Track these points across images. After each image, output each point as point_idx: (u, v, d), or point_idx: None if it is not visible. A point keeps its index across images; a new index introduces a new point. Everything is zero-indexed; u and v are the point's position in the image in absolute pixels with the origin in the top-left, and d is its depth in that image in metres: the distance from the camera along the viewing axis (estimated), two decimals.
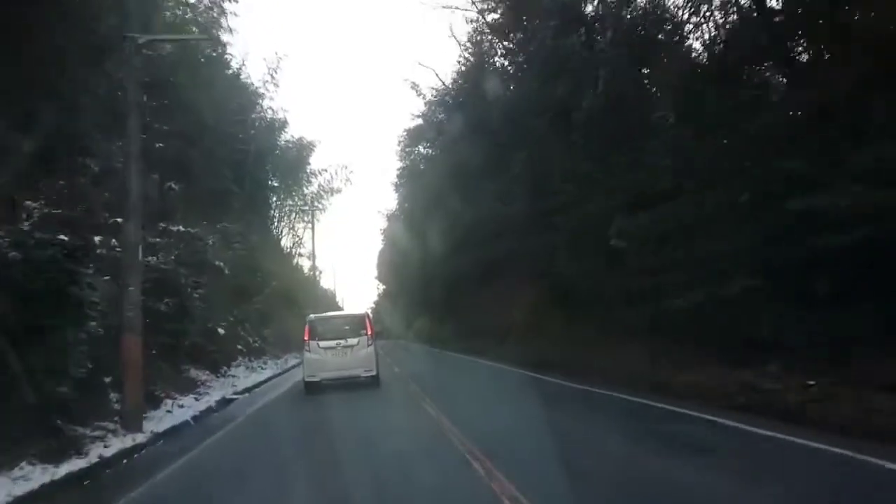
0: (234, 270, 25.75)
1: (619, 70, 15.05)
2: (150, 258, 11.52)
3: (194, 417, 9.84)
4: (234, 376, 15.94)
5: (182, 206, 21.11)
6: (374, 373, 13.26)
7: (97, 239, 10.04)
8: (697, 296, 10.31)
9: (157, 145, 20.96)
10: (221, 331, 15.98)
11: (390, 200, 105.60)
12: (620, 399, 9.81)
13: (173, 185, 19.74)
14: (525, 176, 16.86)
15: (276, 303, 32.75)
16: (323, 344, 13.18)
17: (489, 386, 14.59)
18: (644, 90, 15.61)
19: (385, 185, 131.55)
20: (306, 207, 45.74)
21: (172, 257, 12.70)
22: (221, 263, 17.61)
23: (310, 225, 49.70)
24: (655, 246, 12.05)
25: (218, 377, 15.12)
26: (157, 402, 10.13)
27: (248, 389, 13.76)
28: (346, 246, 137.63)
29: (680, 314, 11.08)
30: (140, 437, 7.97)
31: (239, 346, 20.73)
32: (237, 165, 33.51)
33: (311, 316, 15.01)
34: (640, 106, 14.81)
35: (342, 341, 13.20)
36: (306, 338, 13.43)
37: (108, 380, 8.69)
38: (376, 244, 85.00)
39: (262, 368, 19.72)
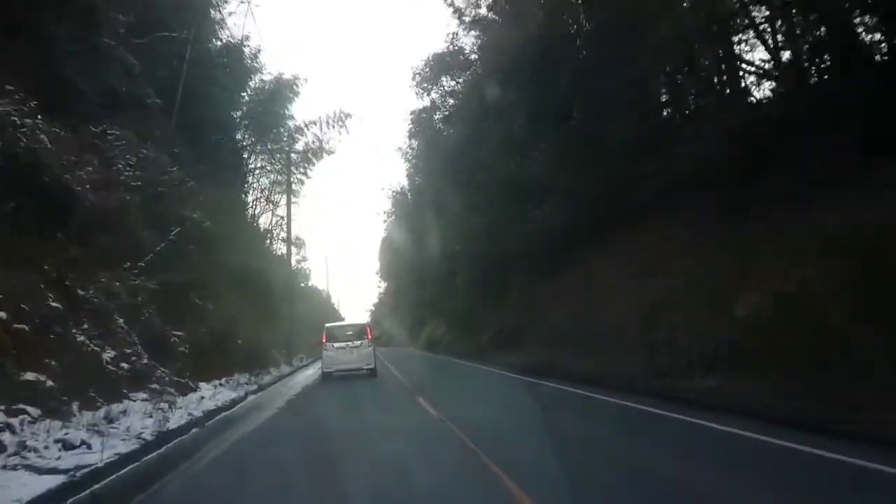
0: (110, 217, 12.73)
1: None
2: None
3: None
4: None
5: None
6: (372, 366, 16.95)
7: None
8: None
9: None
10: None
11: (396, 175, 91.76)
12: None
13: None
14: None
15: (219, 287, 19.68)
16: (336, 345, 16.99)
17: None
18: None
19: (389, 160, 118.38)
20: (282, 172, 32.59)
21: None
22: None
23: (294, 201, 36.91)
24: None
25: None
26: None
27: None
28: (343, 241, 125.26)
29: None
30: None
31: (36, 374, 7.57)
32: (157, 59, 20.53)
33: (327, 325, 19.28)
34: None
35: (350, 343, 16.98)
36: (324, 340, 17.22)
37: None
38: (378, 234, 72.31)
39: (69, 447, 6.58)
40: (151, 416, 8.76)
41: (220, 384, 14.09)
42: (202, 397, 11.50)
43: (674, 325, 10.46)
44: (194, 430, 8.47)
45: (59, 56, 14.58)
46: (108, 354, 10.04)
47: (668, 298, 10.87)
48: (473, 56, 33.00)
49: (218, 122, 28.27)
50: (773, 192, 9.71)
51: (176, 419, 8.95)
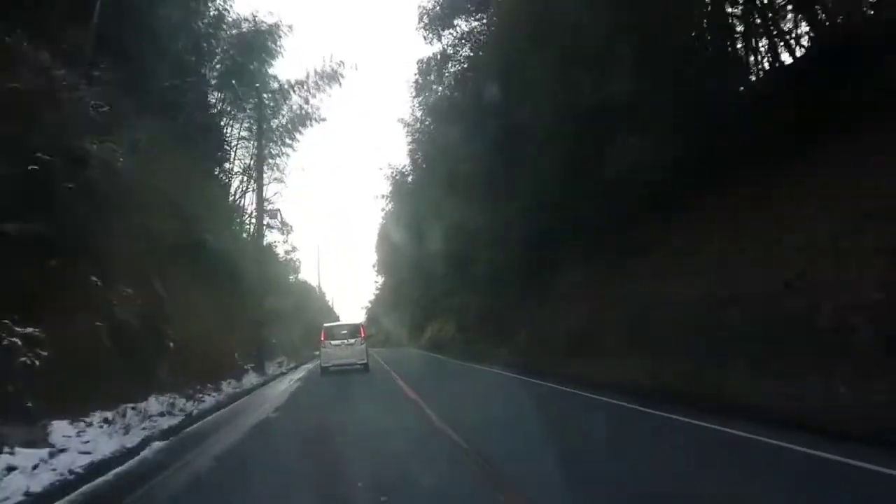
0: None
1: None
2: None
3: None
4: None
5: None
6: (365, 361, 18.74)
7: None
8: None
9: None
10: None
11: (396, 157, 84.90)
12: None
13: None
14: None
15: (148, 264, 13.41)
16: (333, 342, 19.07)
17: None
18: None
19: (387, 146, 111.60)
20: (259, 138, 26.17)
21: None
22: None
23: (280, 181, 30.62)
24: None
25: None
26: None
27: None
28: (337, 230, 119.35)
29: None
30: None
31: None
32: None
33: (325, 324, 21.50)
34: None
35: (345, 341, 19.07)
36: (322, 339, 19.28)
37: None
38: (375, 224, 66.25)
39: None
40: None
41: (106, 421, 7.81)
42: (9, 468, 5.24)
43: None
44: None
45: None
46: None
47: None
48: None
49: (176, 60, 21.91)
50: None
51: None
